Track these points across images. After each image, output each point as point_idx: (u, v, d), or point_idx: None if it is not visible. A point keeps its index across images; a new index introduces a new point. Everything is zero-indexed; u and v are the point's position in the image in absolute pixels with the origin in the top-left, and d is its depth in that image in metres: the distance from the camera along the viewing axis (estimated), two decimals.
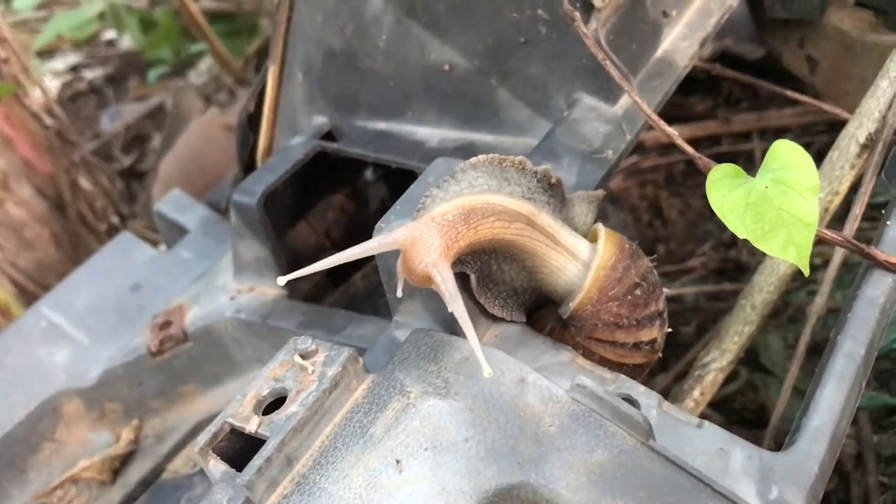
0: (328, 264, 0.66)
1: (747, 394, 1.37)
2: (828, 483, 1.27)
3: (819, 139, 1.65)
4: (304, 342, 0.67)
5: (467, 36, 0.95)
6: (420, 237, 0.64)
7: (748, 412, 1.34)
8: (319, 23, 1.05)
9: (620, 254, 0.70)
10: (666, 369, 1.39)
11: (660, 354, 0.74)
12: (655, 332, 0.71)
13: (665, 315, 0.73)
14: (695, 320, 1.48)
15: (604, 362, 0.71)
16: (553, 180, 0.73)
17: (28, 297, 1.72)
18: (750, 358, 1.40)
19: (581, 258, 0.71)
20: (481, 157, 0.71)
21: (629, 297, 0.69)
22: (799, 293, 1.45)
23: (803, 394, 1.01)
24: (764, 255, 1.46)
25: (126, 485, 1.07)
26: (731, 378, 1.42)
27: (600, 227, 0.73)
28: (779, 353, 1.39)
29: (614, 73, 0.80)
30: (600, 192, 0.79)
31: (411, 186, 0.77)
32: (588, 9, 0.86)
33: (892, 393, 1.29)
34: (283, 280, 0.66)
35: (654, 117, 0.79)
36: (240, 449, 0.65)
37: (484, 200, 0.67)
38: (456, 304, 0.63)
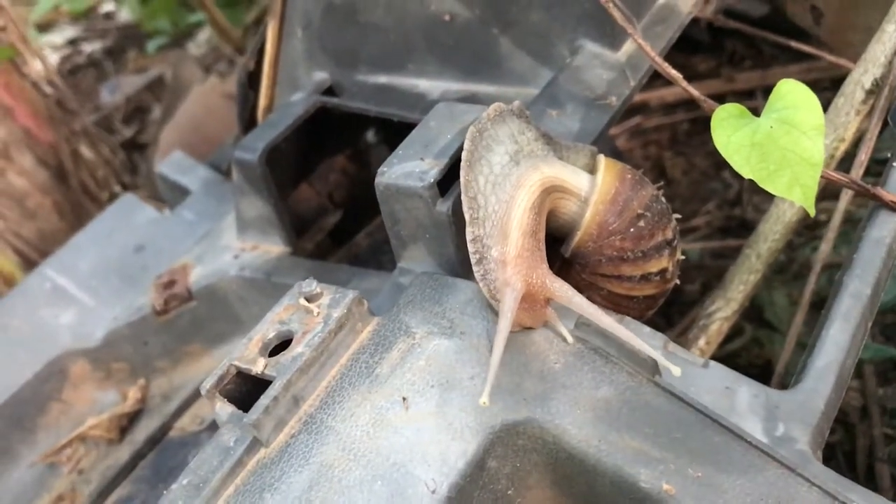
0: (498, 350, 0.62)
1: (752, 350, 1.37)
2: (833, 435, 1.27)
3: (824, 96, 1.62)
4: (309, 285, 0.67)
5: None
6: (531, 281, 0.64)
7: (753, 367, 1.34)
8: None
9: (621, 185, 0.68)
10: (671, 326, 1.39)
11: (676, 282, 0.72)
12: (665, 262, 0.69)
13: (675, 242, 0.70)
14: (700, 278, 1.47)
15: (612, 296, 0.70)
16: (526, 112, 0.71)
17: (31, 267, 1.72)
18: (755, 314, 1.40)
19: (581, 194, 0.69)
20: (465, 146, 0.67)
21: (632, 229, 0.67)
22: (804, 249, 1.44)
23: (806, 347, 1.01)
24: (769, 208, 1.44)
25: (134, 443, 1.08)
26: (736, 334, 1.42)
27: (601, 157, 0.71)
28: (784, 310, 1.39)
29: (618, 15, 0.79)
30: (594, 148, 0.76)
31: (413, 132, 0.77)
32: None
33: None
34: None
35: (658, 60, 0.78)
36: (246, 392, 0.65)
37: (523, 210, 0.65)
38: (598, 313, 0.63)
